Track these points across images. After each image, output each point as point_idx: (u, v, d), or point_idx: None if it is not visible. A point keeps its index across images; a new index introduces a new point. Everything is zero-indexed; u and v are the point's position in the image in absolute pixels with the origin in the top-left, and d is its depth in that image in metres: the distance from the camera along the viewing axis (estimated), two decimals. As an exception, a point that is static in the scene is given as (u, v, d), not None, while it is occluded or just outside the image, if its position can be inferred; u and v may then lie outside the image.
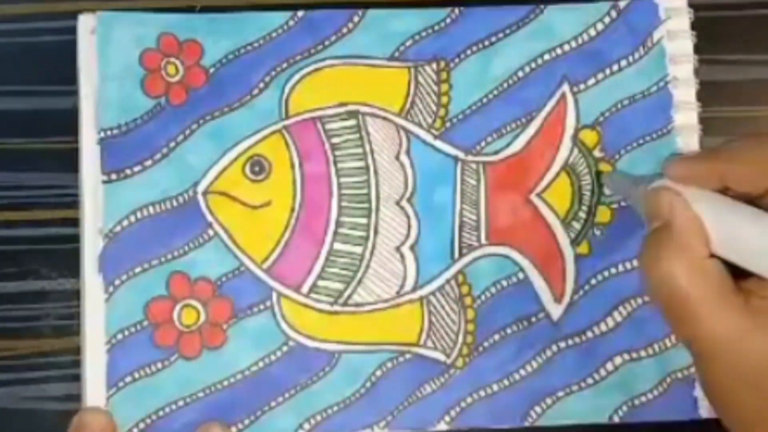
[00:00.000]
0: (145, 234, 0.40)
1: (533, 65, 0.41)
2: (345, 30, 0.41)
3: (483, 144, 0.41)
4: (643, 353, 0.40)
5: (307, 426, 0.40)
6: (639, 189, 0.36)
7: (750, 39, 0.43)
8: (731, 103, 0.42)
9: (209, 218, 0.40)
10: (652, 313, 0.40)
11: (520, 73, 0.41)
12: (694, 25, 0.41)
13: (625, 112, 0.41)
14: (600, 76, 0.41)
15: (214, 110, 0.41)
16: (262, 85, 0.41)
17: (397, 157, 0.41)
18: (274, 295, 0.40)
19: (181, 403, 0.40)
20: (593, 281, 0.40)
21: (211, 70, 0.41)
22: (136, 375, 0.39)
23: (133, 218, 0.40)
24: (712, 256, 0.34)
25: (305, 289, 0.40)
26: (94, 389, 0.39)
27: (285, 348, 0.40)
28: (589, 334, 0.40)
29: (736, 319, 0.33)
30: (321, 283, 0.40)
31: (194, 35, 0.41)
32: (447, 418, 0.40)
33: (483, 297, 0.41)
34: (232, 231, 0.40)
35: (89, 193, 0.40)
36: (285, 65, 0.41)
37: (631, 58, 0.41)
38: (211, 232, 0.40)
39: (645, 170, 0.41)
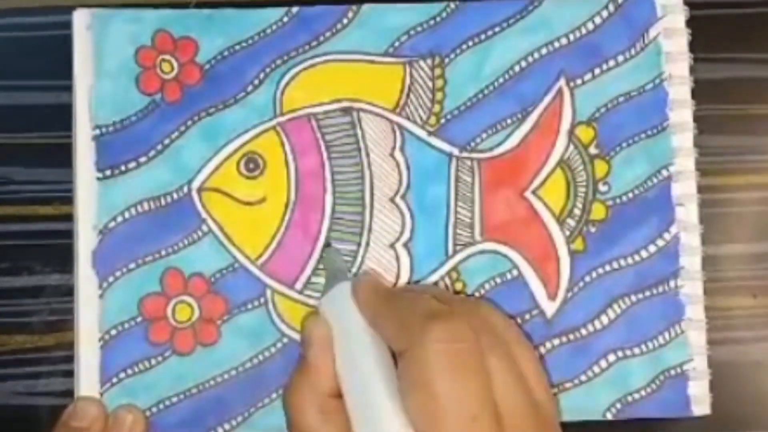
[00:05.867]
0: (139, 230, 0.40)
1: (530, 59, 0.41)
2: (339, 26, 0.41)
3: (478, 140, 0.41)
4: (636, 350, 0.40)
5: (300, 422, 0.40)
6: (332, 286, 0.37)
7: (745, 37, 0.42)
8: (726, 102, 0.42)
9: (203, 215, 0.40)
10: (645, 311, 0.40)
11: (517, 68, 0.41)
12: (689, 23, 0.41)
13: (621, 108, 0.41)
14: (597, 71, 0.41)
15: (209, 107, 0.41)
16: (256, 81, 0.41)
17: (392, 154, 0.41)
18: (269, 292, 0.40)
19: (174, 399, 0.40)
20: (587, 278, 0.40)
21: (206, 67, 0.41)
22: (130, 371, 0.40)
23: (127, 214, 0.40)
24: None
25: (299, 285, 0.40)
26: (88, 385, 0.39)
27: (279, 344, 0.40)
28: (583, 331, 0.40)
29: None
30: (315, 279, 0.40)
31: (189, 32, 0.41)
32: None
33: (477, 294, 0.40)
34: (226, 227, 0.40)
35: (83, 189, 0.40)
36: (279, 62, 0.41)
37: (627, 54, 0.41)
38: (205, 229, 0.40)
39: (639, 168, 0.40)
